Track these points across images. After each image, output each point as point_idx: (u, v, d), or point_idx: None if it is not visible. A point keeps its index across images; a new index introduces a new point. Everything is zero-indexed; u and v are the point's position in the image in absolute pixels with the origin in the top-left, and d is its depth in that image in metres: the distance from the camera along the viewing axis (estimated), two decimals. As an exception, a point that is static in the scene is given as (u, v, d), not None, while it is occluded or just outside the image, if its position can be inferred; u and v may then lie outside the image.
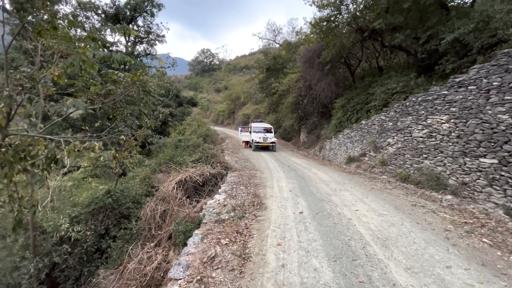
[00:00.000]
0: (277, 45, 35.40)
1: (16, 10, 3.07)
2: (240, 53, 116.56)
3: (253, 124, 18.95)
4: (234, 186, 7.45)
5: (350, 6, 12.62)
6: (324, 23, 13.64)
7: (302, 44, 20.13)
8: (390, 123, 9.55)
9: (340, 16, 13.01)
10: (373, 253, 3.74)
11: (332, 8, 12.82)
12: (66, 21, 3.66)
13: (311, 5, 13.47)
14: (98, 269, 6.17)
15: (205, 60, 77.20)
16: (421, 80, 9.75)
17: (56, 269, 6.34)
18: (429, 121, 7.68)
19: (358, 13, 12.23)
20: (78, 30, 15.90)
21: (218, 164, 9.69)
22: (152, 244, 5.24)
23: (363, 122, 11.53)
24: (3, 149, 3.13)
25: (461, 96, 6.64)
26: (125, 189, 8.36)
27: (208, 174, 8.23)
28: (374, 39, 13.56)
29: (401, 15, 10.46)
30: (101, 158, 5.98)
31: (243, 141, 19.80)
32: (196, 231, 4.40)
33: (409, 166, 8.39)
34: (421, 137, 7.94)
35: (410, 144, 8.42)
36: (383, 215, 5.29)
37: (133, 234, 6.58)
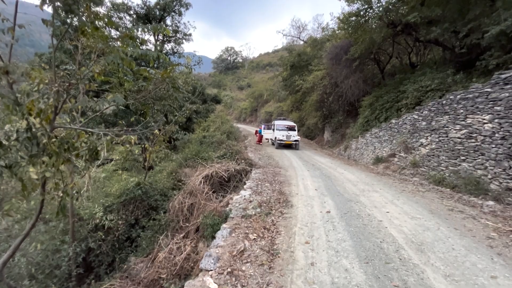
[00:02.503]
0: (302, 42, 34.81)
1: (65, 11, 3.30)
2: (264, 51, 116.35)
3: (276, 122, 18.81)
4: (259, 182, 7.46)
5: (382, -1, 12.07)
6: (353, 18, 13.17)
7: (329, 40, 19.65)
8: (424, 123, 9.03)
9: (371, 10, 12.48)
10: (408, 257, 3.57)
11: (362, 2, 12.33)
12: (105, 21, 3.87)
13: (339, -1, 13.09)
14: (129, 256, 6.50)
15: (229, 58, 77.91)
16: (460, 77, 9.10)
17: (91, 254, 6.76)
18: (468, 120, 7.15)
19: (390, 7, 11.66)
20: (112, 30, 16.75)
21: (243, 161, 9.77)
22: (180, 236, 5.42)
23: (393, 121, 11.01)
24: (52, 140, 3.39)
25: (507, 94, 6.11)
26: (153, 182, 8.71)
27: (233, 170, 8.33)
28: (407, 34, 12.82)
29: (438, 7, 9.80)
30: (136, 151, 6.28)
31: (257, 134, 19.93)
32: (224, 225, 4.48)
33: (444, 169, 7.89)
34: (458, 137, 7.42)
35: (445, 145, 7.90)
36: (417, 218, 5.03)
37: (161, 225, 6.85)
